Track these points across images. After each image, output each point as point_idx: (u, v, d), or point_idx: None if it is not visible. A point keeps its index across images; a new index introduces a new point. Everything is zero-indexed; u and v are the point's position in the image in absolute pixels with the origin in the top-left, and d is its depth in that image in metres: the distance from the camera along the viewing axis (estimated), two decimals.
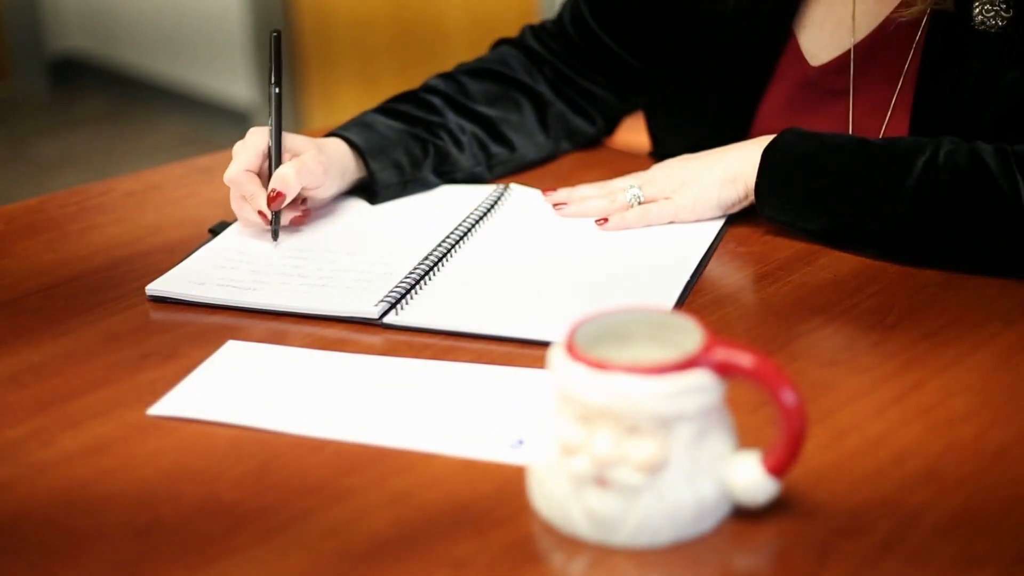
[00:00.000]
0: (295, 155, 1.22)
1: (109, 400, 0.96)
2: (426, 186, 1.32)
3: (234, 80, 4.14)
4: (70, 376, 1.00)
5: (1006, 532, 0.78)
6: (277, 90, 1.22)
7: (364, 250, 1.19)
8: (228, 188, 1.33)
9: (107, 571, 0.78)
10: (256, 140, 1.21)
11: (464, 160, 1.35)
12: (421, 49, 3.66)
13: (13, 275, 1.18)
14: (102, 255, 1.22)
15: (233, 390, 0.97)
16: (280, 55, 1.23)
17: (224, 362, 1.01)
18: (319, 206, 1.26)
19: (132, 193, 1.38)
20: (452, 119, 1.35)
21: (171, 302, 1.11)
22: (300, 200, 1.23)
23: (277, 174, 1.19)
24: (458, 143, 1.34)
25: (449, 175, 1.34)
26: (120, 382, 0.99)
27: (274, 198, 1.18)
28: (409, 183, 1.31)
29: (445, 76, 1.40)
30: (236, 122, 4.14)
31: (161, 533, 0.80)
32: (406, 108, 1.34)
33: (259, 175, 1.20)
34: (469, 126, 1.36)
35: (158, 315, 1.10)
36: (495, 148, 1.37)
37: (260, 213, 1.19)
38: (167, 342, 1.05)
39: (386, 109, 1.35)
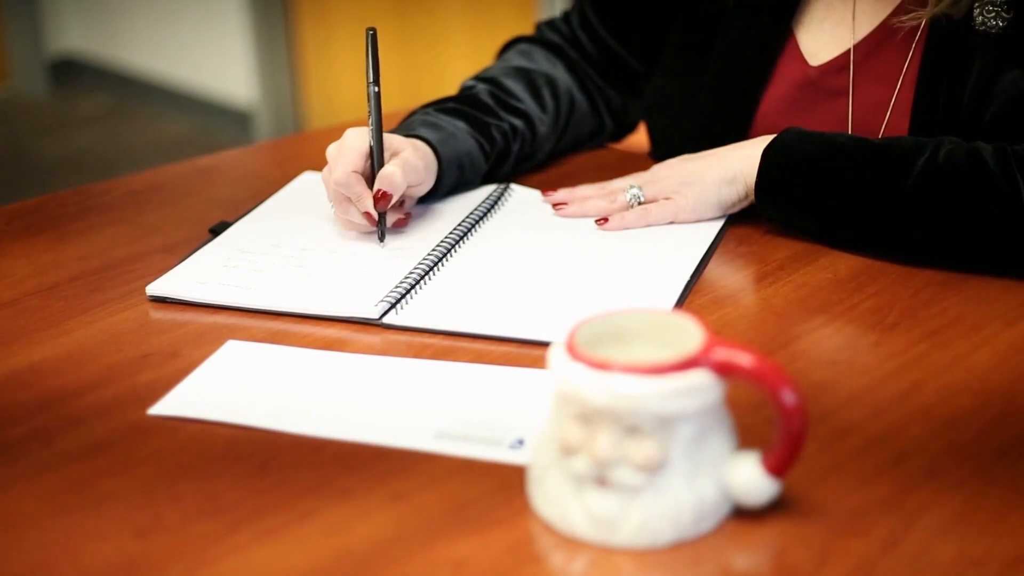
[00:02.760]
0: (394, 154, 1.20)
1: (109, 400, 0.96)
2: (470, 188, 1.31)
3: (235, 80, 4.14)
4: (70, 376, 1.00)
5: (1006, 532, 0.78)
6: (376, 89, 1.19)
7: (364, 250, 1.19)
8: (229, 188, 1.34)
9: (107, 571, 0.78)
10: (357, 141, 1.18)
11: (507, 165, 1.34)
12: (422, 50, 3.66)
13: (13, 275, 1.18)
14: (102, 255, 1.22)
15: (233, 390, 0.97)
16: (376, 53, 1.20)
17: (224, 362, 1.01)
18: (412, 205, 1.25)
19: (132, 193, 1.38)
20: (506, 121, 1.33)
21: (171, 302, 1.11)
22: (400, 202, 1.22)
23: (383, 174, 1.17)
24: (508, 148, 1.33)
25: (490, 179, 1.33)
26: (120, 382, 0.99)
27: (380, 198, 1.17)
28: (460, 185, 1.29)
29: (481, 79, 1.39)
30: (237, 122, 4.14)
31: (161, 533, 0.80)
32: (466, 109, 1.32)
33: (362, 176, 1.18)
34: (520, 126, 1.34)
35: (158, 315, 1.10)
36: (530, 148, 1.37)
37: (367, 215, 1.17)
38: (167, 342, 1.05)
39: (445, 108, 1.32)
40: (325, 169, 1.20)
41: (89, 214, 1.32)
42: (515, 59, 1.42)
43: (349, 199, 1.18)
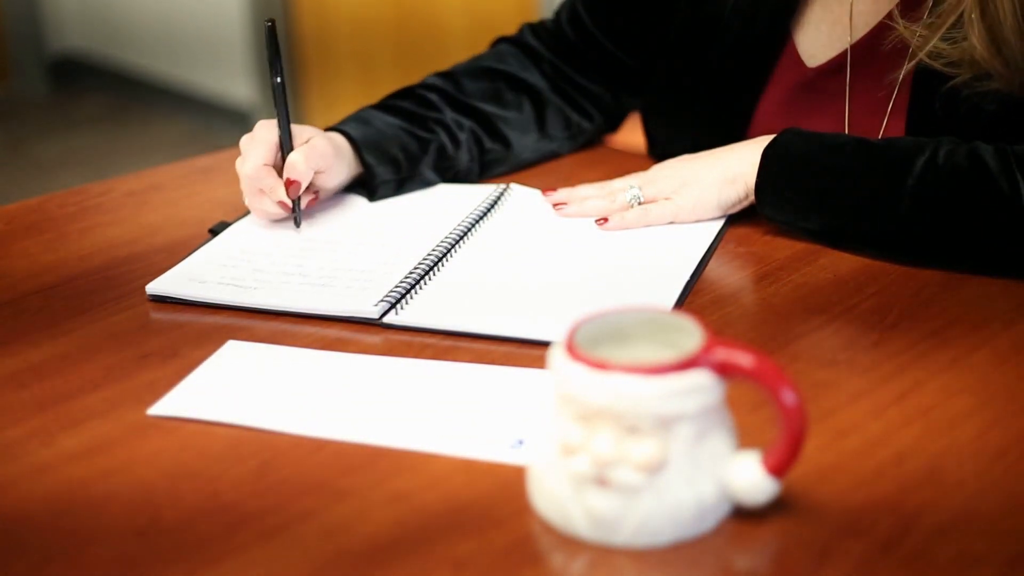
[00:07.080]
0: (304, 143, 1.23)
1: (109, 400, 0.96)
2: (424, 183, 1.33)
3: (234, 80, 4.14)
4: (70, 376, 1.00)
5: (1006, 532, 0.78)
6: (279, 79, 1.22)
7: (364, 249, 1.19)
8: (229, 188, 1.34)
9: (107, 571, 0.78)
10: (266, 133, 1.22)
11: (462, 156, 1.35)
12: (421, 49, 3.65)
13: (13, 275, 1.18)
14: (102, 255, 1.22)
15: (233, 390, 0.97)
16: (277, 45, 1.23)
17: (224, 362, 1.01)
18: (328, 196, 1.27)
19: (132, 193, 1.38)
20: (450, 115, 1.35)
21: (171, 302, 1.11)
22: (314, 192, 1.24)
23: (288, 162, 1.20)
24: (455, 140, 1.35)
25: (447, 172, 1.34)
26: (120, 382, 0.99)
27: (289, 186, 1.20)
28: (406, 180, 1.31)
29: (443, 74, 1.41)
30: (237, 122, 4.14)
31: (161, 533, 0.80)
32: (404, 104, 1.35)
33: (274, 167, 1.21)
34: (467, 122, 1.36)
35: (158, 315, 1.10)
36: (492, 145, 1.38)
37: (282, 203, 1.20)
38: (167, 342, 1.05)
39: (384, 105, 1.35)
40: (238, 160, 1.23)
41: (89, 214, 1.32)
42: (486, 59, 1.44)
43: (262, 191, 1.20)
